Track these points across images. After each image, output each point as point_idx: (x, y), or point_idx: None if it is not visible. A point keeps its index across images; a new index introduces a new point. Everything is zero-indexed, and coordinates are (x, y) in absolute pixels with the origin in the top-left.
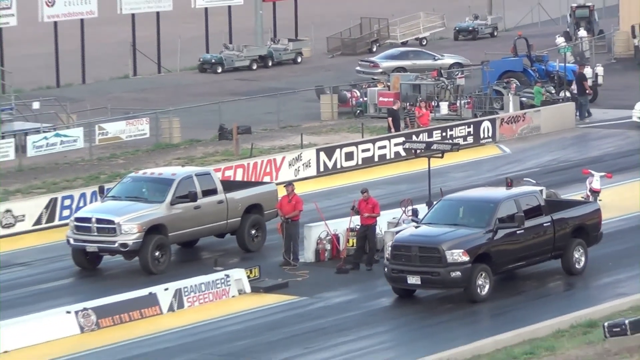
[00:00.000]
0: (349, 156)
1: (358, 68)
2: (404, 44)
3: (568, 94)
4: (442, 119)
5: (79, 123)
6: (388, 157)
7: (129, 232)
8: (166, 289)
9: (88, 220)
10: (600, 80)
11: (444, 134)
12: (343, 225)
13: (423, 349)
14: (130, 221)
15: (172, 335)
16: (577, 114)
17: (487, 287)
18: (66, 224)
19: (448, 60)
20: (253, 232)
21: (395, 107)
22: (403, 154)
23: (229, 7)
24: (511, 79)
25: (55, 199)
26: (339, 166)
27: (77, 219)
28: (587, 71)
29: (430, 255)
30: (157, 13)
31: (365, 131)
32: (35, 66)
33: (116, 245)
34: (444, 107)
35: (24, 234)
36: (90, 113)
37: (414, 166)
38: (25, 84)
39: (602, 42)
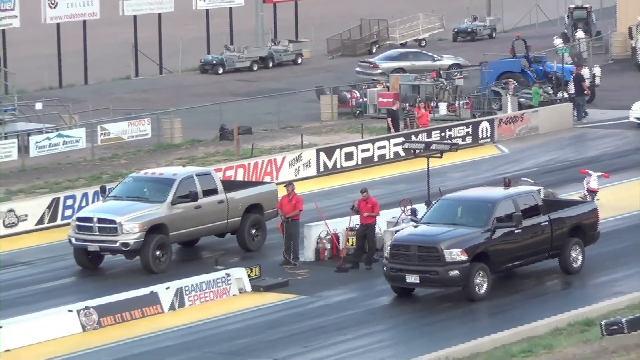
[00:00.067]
0: (349, 156)
1: (358, 69)
2: (403, 45)
3: (566, 95)
4: (441, 120)
5: (81, 123)
6: (387, 157)
7: (130, 232)
8: (167, 288)
9: (90, 220)
10: (597, 81)
11: (442, 134)
12: (343, 225)
13: (421, 347)
14: (131, 221)
15: (173, 333)
16: (575, 114)
17: (485, 285)
18: (68, 224)
19: (447, 61)
20: (253, 231)
21: (394, 108)
22: (402, 154)
23: (230, 8)
24: (509, 79)
25: (58, 199)
26: (338, 166)
27: (79, 219)
28: (585, 72)
29: (429, 255)
30: (159, 14)
31: (364, 131)
32: (38, 67)
33: (117, 244)
34: (442, 108)
35: (27, 234)
36: (92, 113)
37: (413, 166)
38: (28, 84)
39: (600, 43)
